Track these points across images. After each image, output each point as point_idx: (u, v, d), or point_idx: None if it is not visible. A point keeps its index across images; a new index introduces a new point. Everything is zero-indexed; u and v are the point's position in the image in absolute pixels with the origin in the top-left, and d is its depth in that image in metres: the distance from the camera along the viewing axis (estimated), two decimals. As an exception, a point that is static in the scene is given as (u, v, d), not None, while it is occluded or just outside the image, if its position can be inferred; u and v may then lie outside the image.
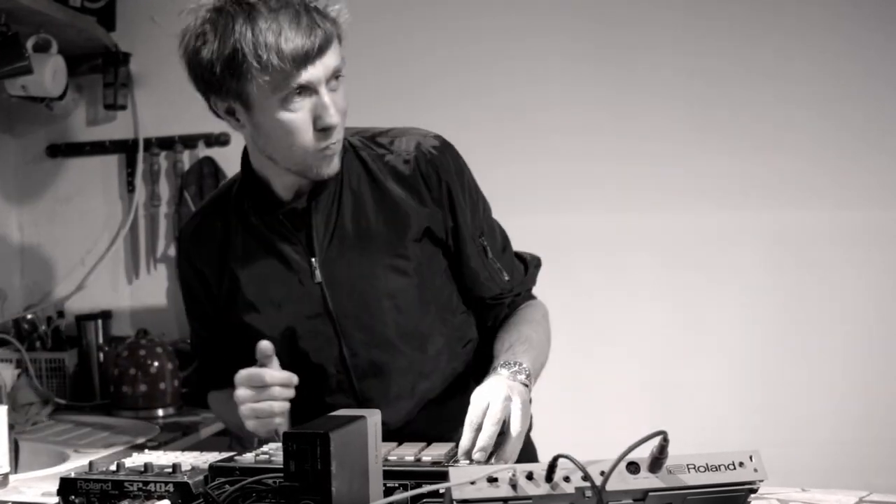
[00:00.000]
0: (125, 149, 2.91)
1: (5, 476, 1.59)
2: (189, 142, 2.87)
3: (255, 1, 1.42)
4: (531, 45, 2.60)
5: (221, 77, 1.45)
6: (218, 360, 1.73)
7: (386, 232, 1.58)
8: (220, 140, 2.85)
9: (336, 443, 1.01)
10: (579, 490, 1.05)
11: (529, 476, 1.04)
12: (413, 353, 1.62)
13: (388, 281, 1.58)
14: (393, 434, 1.51)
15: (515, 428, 1.36)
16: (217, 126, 2.83)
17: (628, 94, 2.57)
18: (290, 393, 1.49)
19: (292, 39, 1.40)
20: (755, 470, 1.09)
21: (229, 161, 2.82)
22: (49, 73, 2.51)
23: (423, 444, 1.40)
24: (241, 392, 1.48)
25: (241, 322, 1.64)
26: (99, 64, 2.84)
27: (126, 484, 1.33)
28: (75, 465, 1.93)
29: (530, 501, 1.04)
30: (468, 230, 1.62)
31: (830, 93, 2.43)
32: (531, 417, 1.65)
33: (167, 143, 2.88)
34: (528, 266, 1.73)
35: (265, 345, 1.48)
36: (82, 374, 2.79)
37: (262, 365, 1.49)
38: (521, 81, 2.60)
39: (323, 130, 1.47)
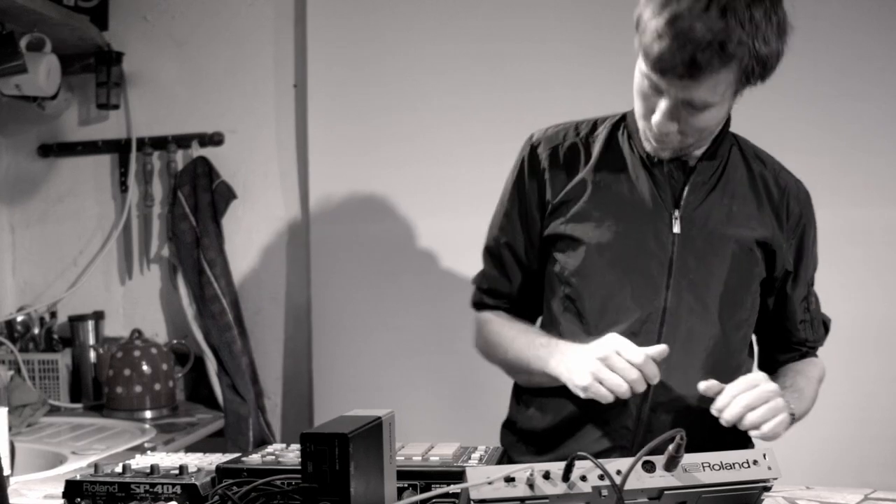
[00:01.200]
0: (118, 148, 2.89)
1: (6, 478, 1.57)
2: (182, 141, 2.85)
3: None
4: (529, 47, 2.60)
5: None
6: (509, 275, 1.75)
7: (745, 221, 1.63)
8: (214, 140, 2.84)
9: (354, 443, 1.00)
10: (596, 489, 1.05)
11: (546, 476, 1.04)
12: (728, 335, 1.64)
13: (730, 259, 1.61)
14: (666, 406, 1.59)
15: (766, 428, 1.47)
16: (211, 126, 2.85)
17: (623, 96, 2.57)
18: (642, 387, 1.48)
19: (662, 47, 1.41)
20: (769, 468, 1.10)
21: (223, 161, 2.82)
22: (43, 72, 2.49)
23: (429, 444, 1.41)
24: (608, 355, 1.48)
25: (564, 235, 1.65)
26: (91, 63, 2.81)
27: (133, 486, 1.32)
28: (74, 467, 1.92)
29: (547, 501, 1.04)
30: (804, 276, 1.72)
31: (819, 93, 2.44)
32: None
33: (160, 143, 2.86)
34: (828, 328, 1.82)
35: (664, 349, 1.48)
36: (76, 375, 2.78)
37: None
38: (517, 82, 2.59)
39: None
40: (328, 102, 2.72)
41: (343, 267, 2.72)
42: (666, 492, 1.07)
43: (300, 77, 2.77)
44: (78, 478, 1.34)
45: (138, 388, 2.61)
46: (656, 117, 1.51)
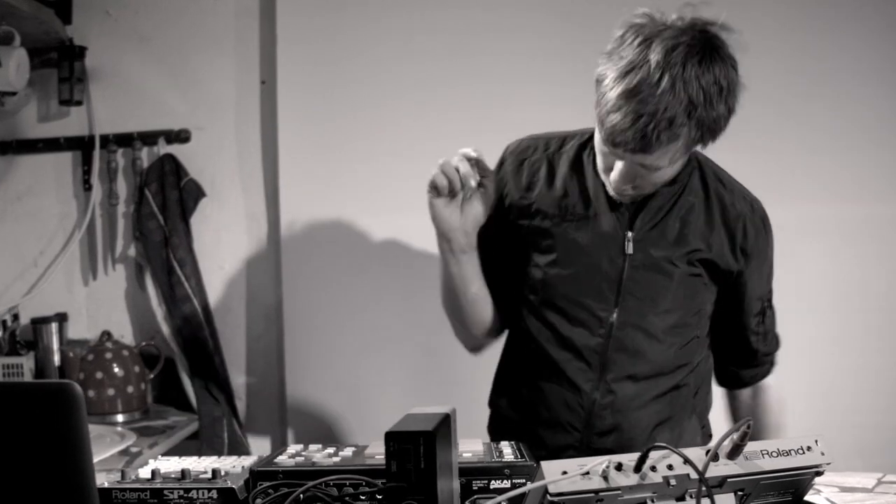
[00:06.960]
0: (81, 146, 2.80)
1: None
2: (148, 138, 2.78)
3: (649, 68, 1.46)
4: (501, 42, 2.61)
5: None
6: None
7: (696, 244, 1.70)
8: (181, 137, 2.78)
9: (437, 441, 1.01)
10: (665, 479, 1.07)
11: (619, 467, 1.06)
12: (672, 351, 1.72)
13: (677, 281, 1.69)
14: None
15: None
16: (177, 122, 2.78)
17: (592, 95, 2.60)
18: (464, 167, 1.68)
19: (615, 121, 1.48)
20: (822, 453, 1.14)
21: (191, 158, 2.76)
22: (13, 67, 2.40)
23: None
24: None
25: (540, 229, 1.74)
26: (51, 58, 2.73)
27: (166, 492, 1.30)
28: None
29: (619, 492, 1.06)
30: (754, 290, 1.76)
31: (794, 90, 2.51)
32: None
33: (125, 140, 2.78)
34: (778, 344, 1.87)
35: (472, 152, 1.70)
36: (39, 378, 2.69)
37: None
38: (490, 78, 2.60)
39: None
40: (298, 99, 2.69)
41: (314, 265, 2.70)
42: (729, 479, 1.10)
43: (268, 73, 2.73)
44: (106, 485, 1.31)
45: (111, 392, 2.55)
46: (613, 176, 1.61)
